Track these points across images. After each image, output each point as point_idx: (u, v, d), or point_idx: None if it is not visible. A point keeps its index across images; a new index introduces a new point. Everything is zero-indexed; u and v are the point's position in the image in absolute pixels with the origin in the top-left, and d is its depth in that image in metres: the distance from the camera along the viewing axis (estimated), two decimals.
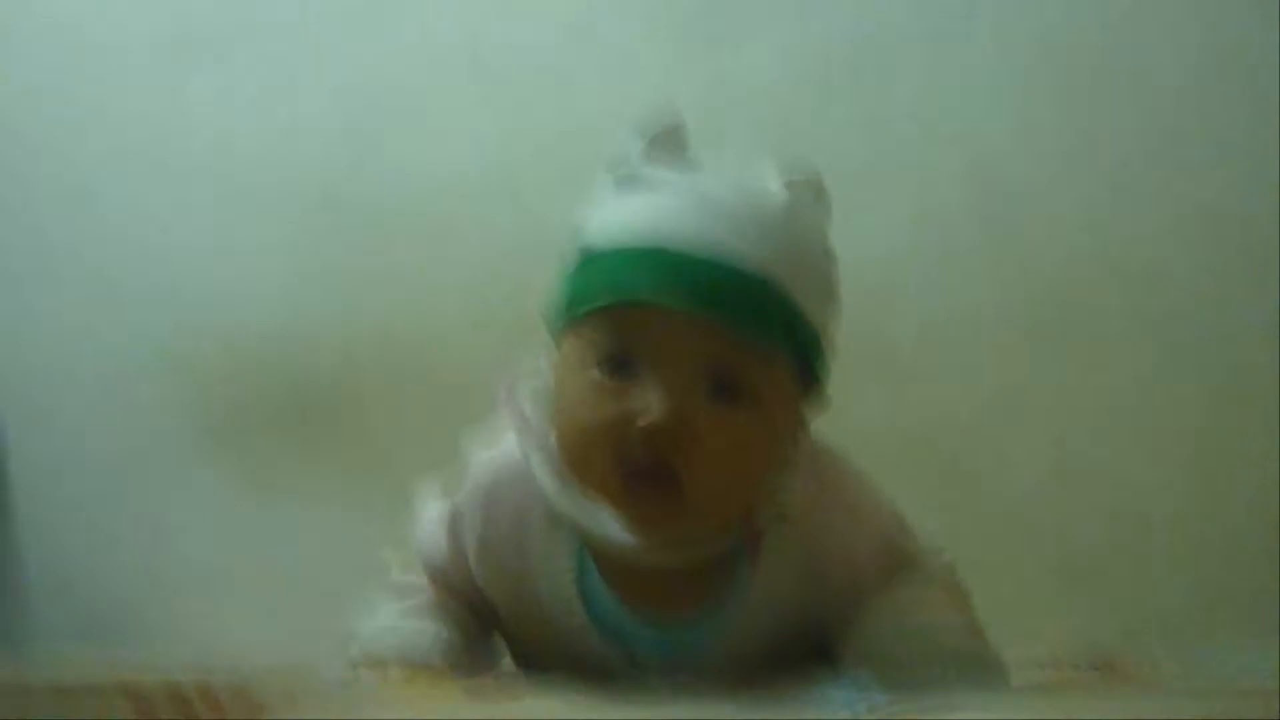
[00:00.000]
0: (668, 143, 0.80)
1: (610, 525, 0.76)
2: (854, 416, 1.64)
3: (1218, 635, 1.50)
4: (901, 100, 1.75)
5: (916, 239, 1.73)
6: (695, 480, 0.72)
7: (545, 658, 0.84)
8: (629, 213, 0.76)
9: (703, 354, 0.73)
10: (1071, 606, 1.59)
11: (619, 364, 0.74)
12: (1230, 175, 1.65)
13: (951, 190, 1.73)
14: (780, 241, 0.75)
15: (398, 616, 0.87)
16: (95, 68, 1.93)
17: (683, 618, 0.81)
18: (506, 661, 0.91)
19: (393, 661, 0.83)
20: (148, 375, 1.88)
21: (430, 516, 0.88)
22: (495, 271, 1.79)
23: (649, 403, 0.72)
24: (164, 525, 1.87)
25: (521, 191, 1.82)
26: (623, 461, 0.73)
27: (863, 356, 1.69)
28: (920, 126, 1.74)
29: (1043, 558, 1.61)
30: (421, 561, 0.89)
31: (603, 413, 0.73)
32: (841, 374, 1.73)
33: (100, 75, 1.94)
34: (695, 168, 0.79)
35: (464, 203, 1.84)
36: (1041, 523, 1.63)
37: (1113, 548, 1.61)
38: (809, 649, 0.83)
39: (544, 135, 1.80)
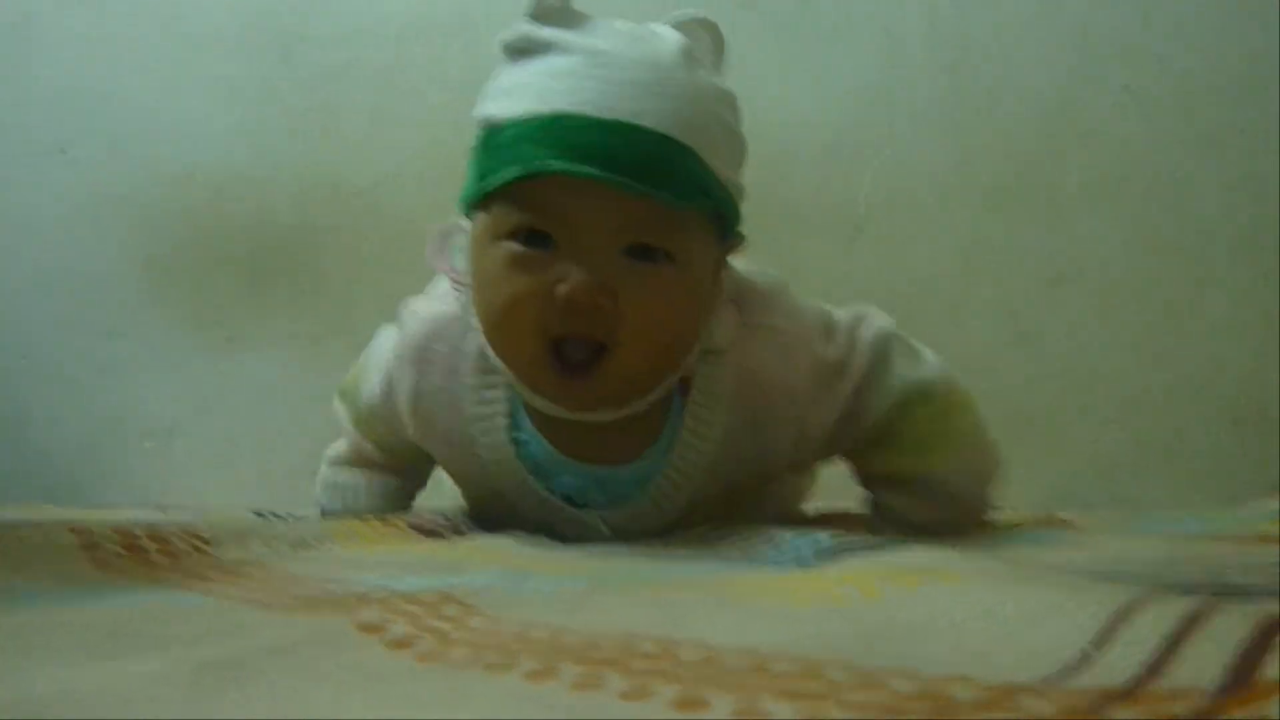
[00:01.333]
0: (556, 4, 0.76)
1: (534, 397, 0.76)
2: (811, 274, 1.66)
3: (1153, 489, 1.55)
4: None
5: (879, 94, 1.71)
6: (624, 347, 0.72)
7: (489, 501, 0.85)
8: (525, 79, 0.73)
9: (617, 220, 0.71)
10: (1020, 461, 1.63)
11: (533, 236, 0.72)
12: (1195, 35, 1.63)
13: (914, 44, 1.70)
14: (681, 95, 0.72)
15: (328, 472, 0.94)
16: None
17: (620, 459, 0.81)
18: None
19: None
20: (97, 219, 1.85)
21: (373, 365, 0.90)
22: (448, 114, 1.75)
23: (566, 270, 0.70)
24: (116, 371, 1.85)
25: (475, 33, 1.78)
26: (547, 334, 0.72)
27: (822, 214, 1.70)
28: None
29: (994, 415, 1.64)
30: (363, 401, 0.91)
31: (520, 283, 0.72)
32: (799, 231, 1.73)
33: None
34: (586, 25, 0.75)
35: (417, 44, 1.80)
36: (994, 381, 1.65)
37: (1061, 406, 1.64)
38: (758, 485, 0.84)
39: None
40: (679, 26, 0.77)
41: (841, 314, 0.85)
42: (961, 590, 0.35)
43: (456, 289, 0.80)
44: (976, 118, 1.68)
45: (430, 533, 0.73)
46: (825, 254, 1.70)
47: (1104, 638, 0.28)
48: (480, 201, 0.75)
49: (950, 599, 0.34)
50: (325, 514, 0.94)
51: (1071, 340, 1.64)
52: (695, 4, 0.79)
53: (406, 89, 1.80)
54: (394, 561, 0.56)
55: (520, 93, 0.73)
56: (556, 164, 0.69)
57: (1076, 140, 1.65)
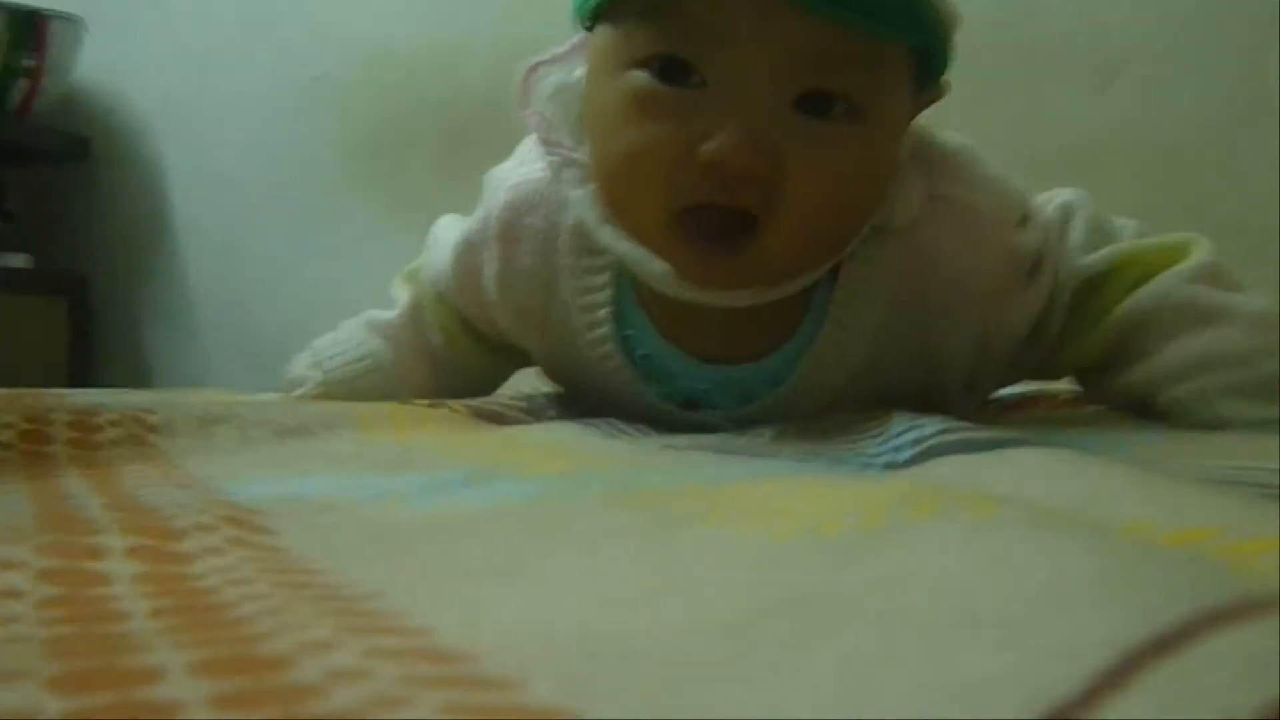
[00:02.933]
0: None
1: (661, 271, 0.57)
2: (1058, 124, 1.43)
3: None
4: None
5: None
6: (777, 228, 0.54)
7: (592, 400, 0.69)
8: None
9: (791, 53, 0.52)
10: None
11: (673, 65, 0.53)
12: None
13: None
14: None
15: (348, 331, 0.79)
16: None
17: (749, 355, 0.64)
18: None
19: (316, 379, 0.75)
20: (297, 101, 1.82)
21: (443, 240, 0.74)
22: None
23: (717, 123, 0.52)
24: (321, 254, 1.83)
25: None
26: (679, 200, 0.54)
27: (1069, 55, 1.45)
28: None
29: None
30: (430, 283, 0.76)
31: (652, 132, 0.54)
32: (1044, 76, 1.49)
33: None
34: None
35: None
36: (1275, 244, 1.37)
37: None
38: (919, 385, 0.66)
39: None
40: None
41: (1039, 196, 0.67)
42: (970, 537, 0.19)
43: (546, 145, 0.62)
44: None
45: (494, 418, 0.60)
46: (1074, 100, 1.46)
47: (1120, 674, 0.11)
48: (602, 10, 0.57)
49: (940, 553, 0.18)
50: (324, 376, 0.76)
51: None
52: None
53: None
54: (348, 456, 0.43)
55: None
56: None
57: None
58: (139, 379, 1.91)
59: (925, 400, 0.63)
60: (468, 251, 0.70)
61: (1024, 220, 0.63)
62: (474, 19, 1.73)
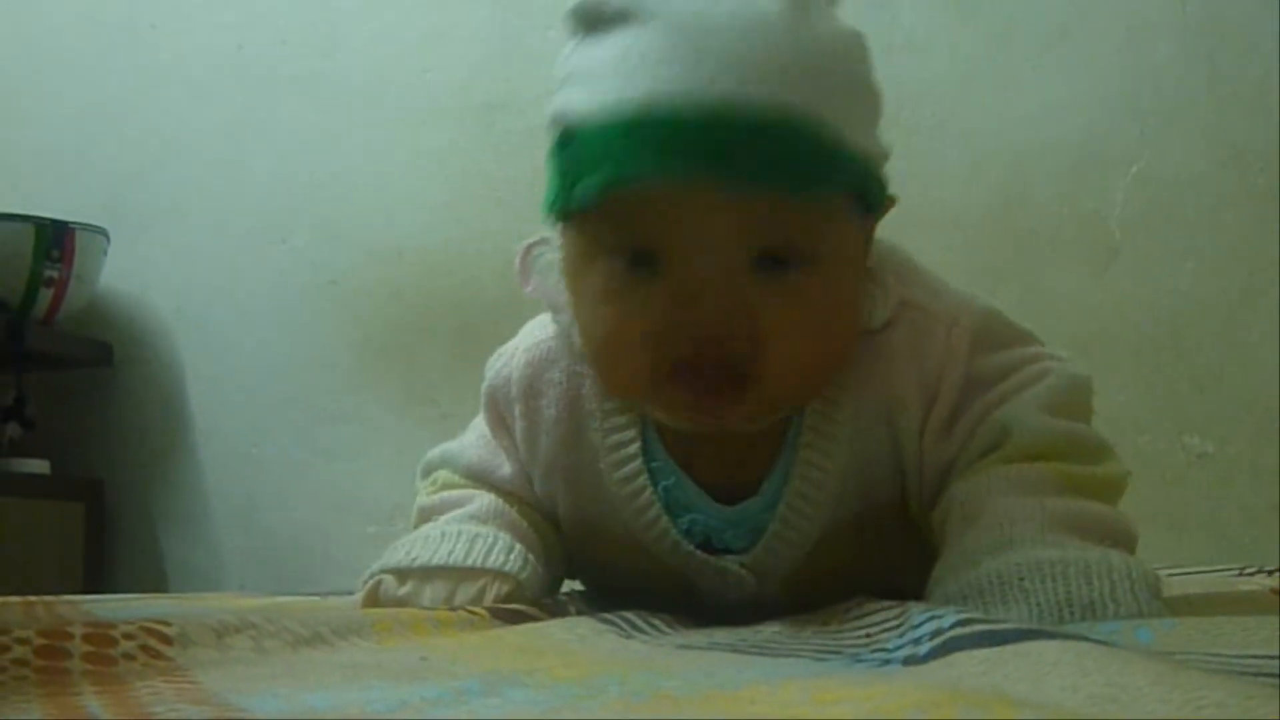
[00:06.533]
0: None
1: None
2: (1062, 307, 1.45)
3: None
4: None
5: (1125, 98, 1.48)
6: (764, 379, 0.60)
7: (611, 563, 0.73)
8: (600, 64, 0.60)
9: (739, 228, 0.58)
10: None
11: (640, 256, 0.60)
12: None
13: (1161, 35, 1.47)
14: (796, 54, 0.58)
15: (448, 522, 0.70)
16: None
17: (750, 478, 0.68)
18: None
19: (440, 571, 0.67)
20: (314, 304, 1.86)
21: (471, 432, 0.77)
22: None
23: (688, 294, 0.58)
24: (337, 454, 1.84)
25: None
26: (668, 356, 0.60)
27: (1069, 239, 1.48)
28: None
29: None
30: (469, 477, 0.74)
31: (633, 318, 0.60)
32: (1045, 260, 1.51)
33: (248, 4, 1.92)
34: None
35: None
36: None
37: None
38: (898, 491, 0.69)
39: None
40: None
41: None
42: None
43: (553, 310, 0.69)
44: (1243, 112, 1.42)
45: (514, 617, 0.60)
46: (1076, 284, 1.48)
47: None
48: (569, 219, 0.63)
49: None
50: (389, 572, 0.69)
51: None
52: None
53: None
54: (365, 665, 0.43)
55: (597, 80, 0.60)
56: (650, 171, 0.57)
57: None
58: (154, 581, 1.90)
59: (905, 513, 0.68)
60: (494, 404, 0.73)
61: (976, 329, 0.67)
62: (484, 219, 1.77)
